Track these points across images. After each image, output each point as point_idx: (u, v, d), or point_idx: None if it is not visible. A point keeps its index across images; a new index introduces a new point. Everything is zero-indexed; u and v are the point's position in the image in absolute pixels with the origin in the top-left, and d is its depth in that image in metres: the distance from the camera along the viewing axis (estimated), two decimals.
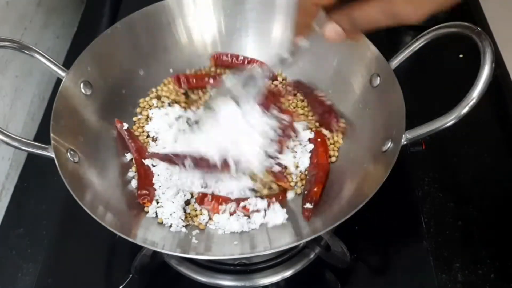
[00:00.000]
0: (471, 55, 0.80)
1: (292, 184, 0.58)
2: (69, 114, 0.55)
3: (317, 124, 0.64)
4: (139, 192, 0.56)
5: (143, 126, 0.64)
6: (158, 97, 0.67)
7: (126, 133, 0.61)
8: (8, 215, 0.66)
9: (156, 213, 0.55)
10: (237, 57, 0.69)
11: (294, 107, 0.67)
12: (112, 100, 0.62)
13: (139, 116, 0.65)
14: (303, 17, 0.42)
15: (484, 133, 0.73)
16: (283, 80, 0.69)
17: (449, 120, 0.47)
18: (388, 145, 0.52)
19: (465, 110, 0.46)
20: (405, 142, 0.49)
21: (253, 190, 0.57)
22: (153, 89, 0.68)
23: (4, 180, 0.71)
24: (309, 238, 0.47)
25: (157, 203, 0.56)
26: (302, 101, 0.66)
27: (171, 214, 0.54)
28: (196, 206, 0.56)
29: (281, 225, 0.54)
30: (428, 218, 0.63)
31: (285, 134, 0.58)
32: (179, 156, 0.55)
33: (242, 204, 0.54)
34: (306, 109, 0.66)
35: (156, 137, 0.63)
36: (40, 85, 0.82)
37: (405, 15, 0.34)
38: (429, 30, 0.52)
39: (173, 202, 0.55)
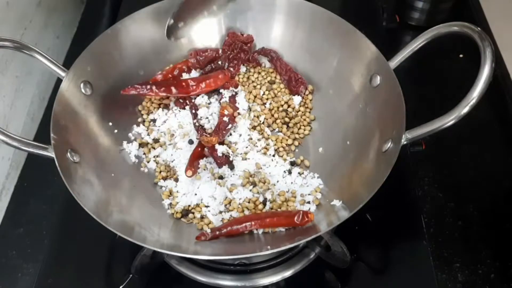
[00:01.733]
0: (471, 55, 0.80)
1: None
2: (69, 114, 0.55)
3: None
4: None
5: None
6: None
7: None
8: (8, 215, 0.66)
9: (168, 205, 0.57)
10: (217, 51, 0.68)
11: (259, 73, 0.69)
12: (112, 100, 0.62)
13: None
14: None
15: (484, 133, 0.73)
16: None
17: (449, 120, 0.47)
18: (388, 145, 0.52)
19: (465, 110, 0.46)
20: (405, 142, 0.49)
21: None
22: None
23: (4, 180, 0.71)
24: (309, 238, 0.47)
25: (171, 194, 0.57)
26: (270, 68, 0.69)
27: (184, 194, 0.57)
28: (197, 214, 0.56)
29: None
30: (428, 218, 0.63)
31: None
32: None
33: None
34: (272, 74, 0.68)
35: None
36: (40, 85, 0.82)
37: None
38: (429, 30, 0.52)
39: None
